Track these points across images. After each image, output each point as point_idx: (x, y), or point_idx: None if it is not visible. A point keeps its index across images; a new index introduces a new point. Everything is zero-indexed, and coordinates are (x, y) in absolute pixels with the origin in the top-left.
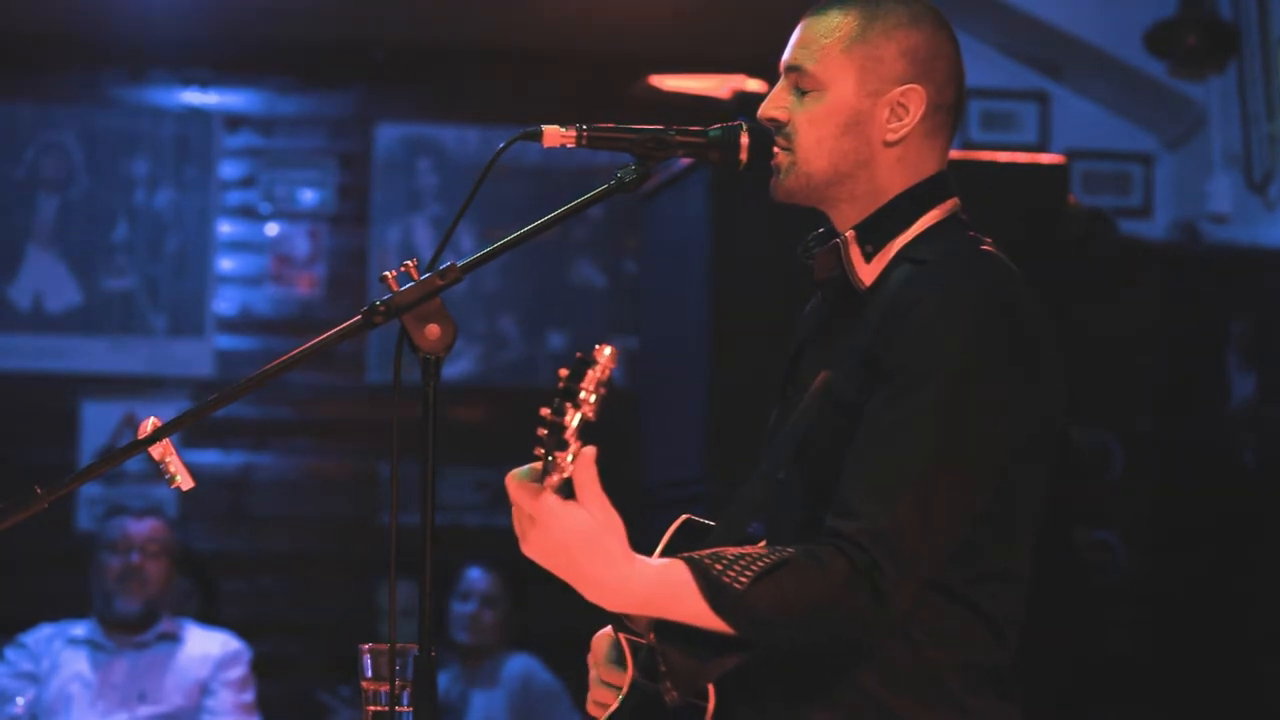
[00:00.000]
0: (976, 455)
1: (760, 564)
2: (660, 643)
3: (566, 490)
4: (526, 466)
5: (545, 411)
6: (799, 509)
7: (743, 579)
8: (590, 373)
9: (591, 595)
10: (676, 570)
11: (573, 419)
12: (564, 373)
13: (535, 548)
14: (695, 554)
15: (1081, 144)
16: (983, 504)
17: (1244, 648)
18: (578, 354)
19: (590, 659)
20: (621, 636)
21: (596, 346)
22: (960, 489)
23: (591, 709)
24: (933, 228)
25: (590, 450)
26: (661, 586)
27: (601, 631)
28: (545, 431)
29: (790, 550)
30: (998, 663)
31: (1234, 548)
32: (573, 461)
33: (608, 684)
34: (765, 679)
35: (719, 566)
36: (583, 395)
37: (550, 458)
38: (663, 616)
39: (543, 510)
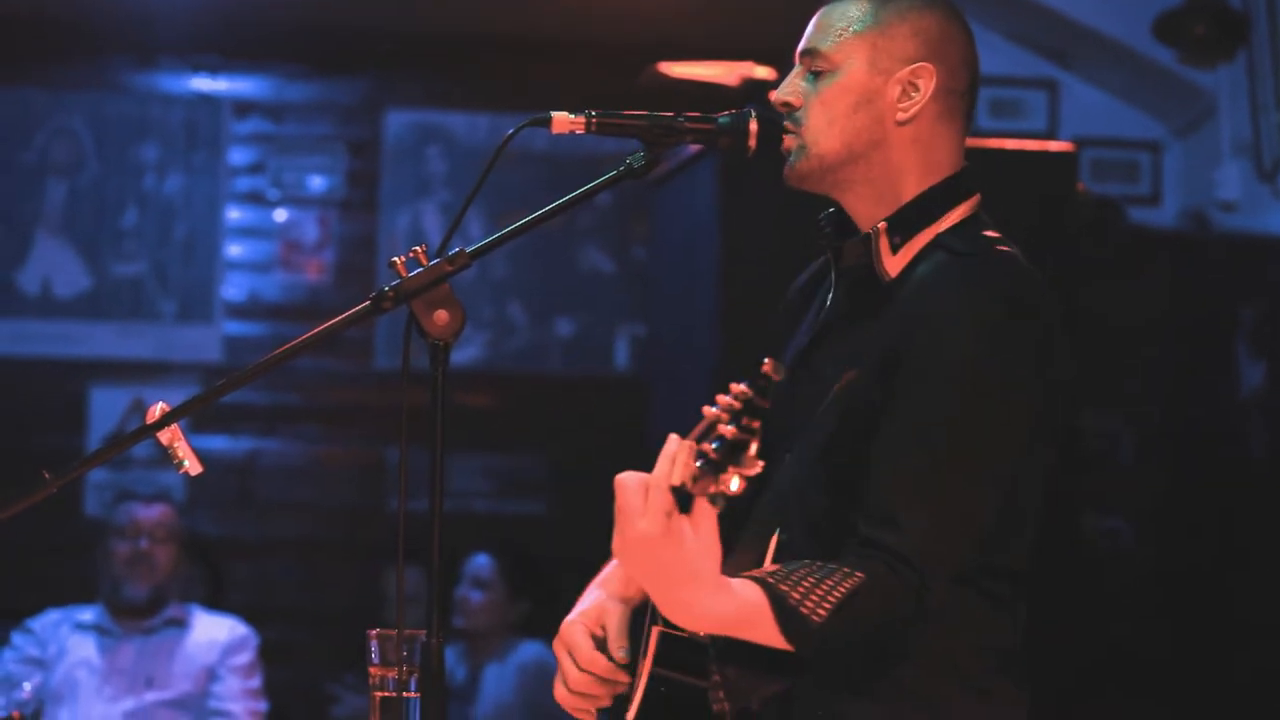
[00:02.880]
0: (1002, 455)
1: (835, 595)
2: (721, 657)
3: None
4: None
5: (727, 430)
6: (818, 503)
7: (820, 612)
8: (769, 388)
9: (670, 614)
10: (753, 597)
11: (759, 437)
12: (743, 388)
13: (635, 554)
14: (766, 576)
15: (1090, 132)
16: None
17: (1252, 636)
18: (766, 362)
19: (559, 645)
20: (655, 628)
21: (765, 361)
22: (990, 490)
23: (565, 697)
24: (958, 225)
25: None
26: (739, 612)
27: (570, 619)
28: (720, 445)
29: (858, 575)
30: (1011, 648)
31: (1243, 536)
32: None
33: (589, 672)
34: (781, 664)
35: (795, 595)
36: (761, 412)
37: (718, 469)
38: (734, 636)
39: (663, 525)
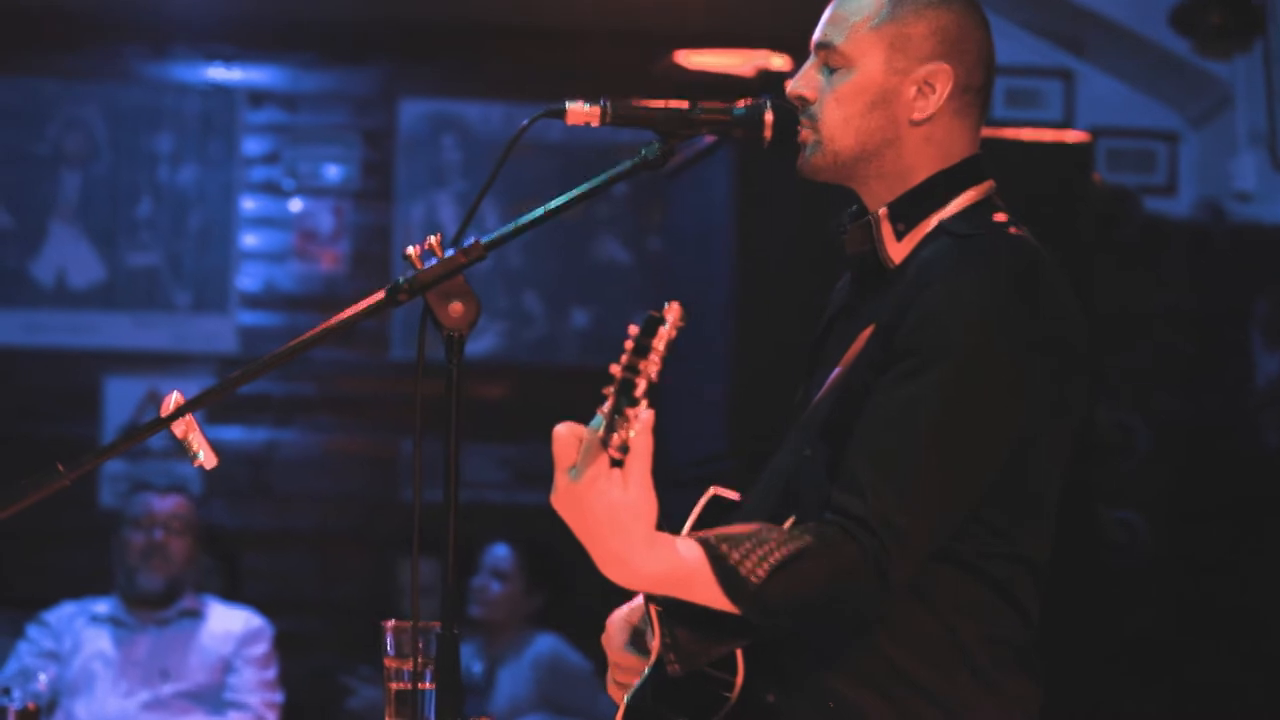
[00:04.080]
0: (985, 437)
1: (777, 555)
2: (668, 618)
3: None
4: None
5: (616, 369)
6: (825, 486)
7: (759, 572)
8: (662, 330)
9: (606, 570)
10: (692, 555)
11: (646, 376)
12: (634, 330)
13: (565, 504)
14: (710, 536)
15: (1106, 122)
16: (993, 484)
17: (1265, 628)
18: (652, 312)
19: (605, 640)
20: (651, 607)
21: (666, 305)
22: (967, 471)
23: (611, 689)
24: (966, 209)
25: (650, 415)
26: (675, 572)
27: (616, 613)
28: (614, 388)
29: (806, 538)
30: (1024, 641)
31: (1257, 528)
32: (639, 422)
33: (626, 666)
34: (793, 655)
35: (735, 556)
36: (653, 354)
37: (619, 415)
38: (674, 597)
39: (590, 474)
